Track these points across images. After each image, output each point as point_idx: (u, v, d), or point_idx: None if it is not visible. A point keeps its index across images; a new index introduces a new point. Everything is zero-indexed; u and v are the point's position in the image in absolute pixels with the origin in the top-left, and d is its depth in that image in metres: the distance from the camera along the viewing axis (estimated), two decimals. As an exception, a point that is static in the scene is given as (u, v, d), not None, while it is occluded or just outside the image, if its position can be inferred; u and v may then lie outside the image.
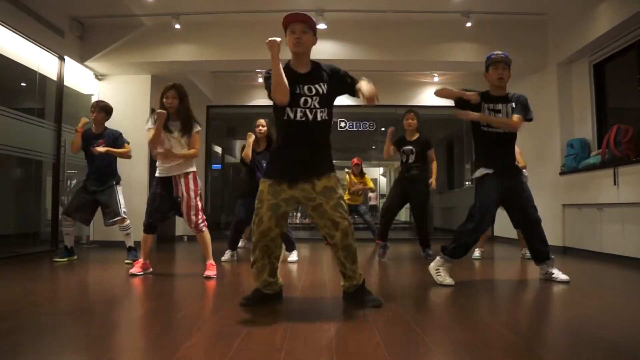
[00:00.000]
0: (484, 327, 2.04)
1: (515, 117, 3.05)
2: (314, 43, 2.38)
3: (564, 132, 5.56)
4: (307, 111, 2.28)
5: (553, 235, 5.14)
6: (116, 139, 4.21)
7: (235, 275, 3.64)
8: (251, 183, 4.24)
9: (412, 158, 4.55)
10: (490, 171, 3.13)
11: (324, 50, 5.72)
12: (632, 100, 4.83)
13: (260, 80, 7.55)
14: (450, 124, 9.68)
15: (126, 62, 5.83)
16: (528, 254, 4.44)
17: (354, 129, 8.36)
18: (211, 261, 3.48)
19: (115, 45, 5.75)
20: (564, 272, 3.20)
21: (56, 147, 5.24)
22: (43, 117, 5.18)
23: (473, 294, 2.87)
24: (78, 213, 4.14)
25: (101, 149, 4.07)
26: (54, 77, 5.30)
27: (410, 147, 4.54)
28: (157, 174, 3.47)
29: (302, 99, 2.28)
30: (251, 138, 4.26)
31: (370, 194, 13.93)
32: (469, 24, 5.50)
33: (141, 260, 3.51)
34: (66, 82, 5.46)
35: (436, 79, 7.59)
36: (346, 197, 5.94)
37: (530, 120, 3.15)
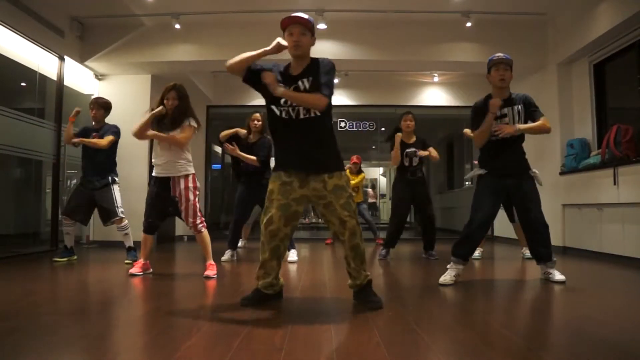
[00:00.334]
0: (484, 327, 2.04)
1: (542, 119, 3.07)
2: (312, 44, 2.37)
3: (564, 132, 5.56)
4: (290, 110, 2.29)
5: (553, 235, 5.08)
6: (106, 132, 4.15)
7: (235, 275, 3.64)
8: (236, 165, 4.42)
9: (415, 160, 4.53)
10: (482, 172, 3.16)
11: (324, 50, 5.72)
12: (632, 100, 4.83)
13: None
14: (450, 124, 9.68)
15: (126, 62, 5.83)
16: (528, 254, 4.46)
17: (354, 128, 8.36)
18: (211, 261, 3.48)
19: (115, 45, 5.75)
20: (563, 272, 3.19)
21: (56, 147, 5.24)
22: (43, 117, 5.18)
23: (473, 294, 2.87)
24: (76, 213, 4.13)
25: (76, 139, 4.05)
26: (54, 77, 5.30)
27: (414, 150, 4.51)
28: (154, 174, 3.47)
29: (282, 99, 2.28)
30: (235, 130, 4.31)
31: (370, 191, 13.95)
32: (469, 24, 5.50)
33: (141, 260, 3.51)
34: (66, 82, 5.46)
35: (436, 79, 7.59)
36: None
37: (541, 114, 3.17)
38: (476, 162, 3.43)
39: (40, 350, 1.65)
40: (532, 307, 2.67)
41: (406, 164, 4.53)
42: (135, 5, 5.30)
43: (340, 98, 7.72)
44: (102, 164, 4.15)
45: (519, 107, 3.13)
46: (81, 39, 5.67)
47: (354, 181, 6.39)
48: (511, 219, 4.48)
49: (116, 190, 4.20)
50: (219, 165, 9.35)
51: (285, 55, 2.35)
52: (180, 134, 3.35)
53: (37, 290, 2.89)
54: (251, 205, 4.46)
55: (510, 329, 1.98)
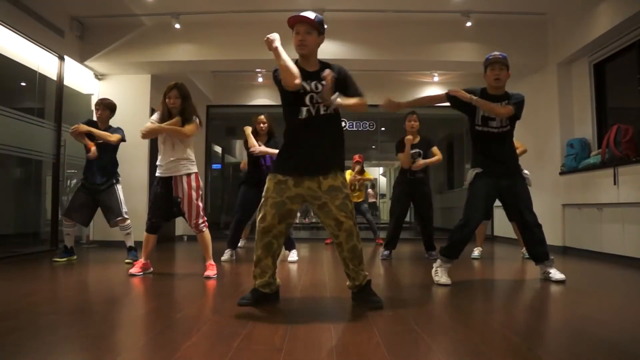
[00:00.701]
0: (484, 327, 2.04)
1: (506, 107, 3.03)
2: (320, 42, 2.38)
3: (564, 131, 5.56)
4: (311, 107, 2.30)
5: (553, 235, 5.14)
6: (114, 131, 4.17)
7: (235, 275, 3.64)
8: (254, 171, 4.34)
9: (420, 160, 4.52)
10: (479, 170, 3.16)
11: (324, 50, 5.65)
12: (632, 100, 4.83)
13: (261, 80, 7.56)
14: (450, 123, 9.69)
15: (126, 61, 5.83)
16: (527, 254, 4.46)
17: (354, 128, 8.36)
18: (211, 261, 3.48)
19: (115, 45, 5.75)
20: (563, 272, 3.20)
21: (56, 147, 5.24)
22: (43, 117, 5.18)
23: (473, 294, 2.87)
24: (77, 214, 4.14)
25: (83, 127, 4.03)
26: (54, 77, 5.30)
27: (418, 151, 4.49)
28: (157, 174, 3.46)
29: (309, 96, 2.29)
30: (248, 130, 4.30)
31: (370, 191, 13.96)
32: (469, 24, 5.50)
33: (141, 260, 3.51)
34: (66, 82, 5.46)
35: (436, 79, 7.59)
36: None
37: (518, 118, 3.12)
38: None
39: (40, 350, 1.65)
40: (532, 307, 2.67)
41: (412, 167, 4.53)
42: (135, 5, 5.30)
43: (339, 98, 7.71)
44: (106, 165, 4.16)
45: (505, 103, 3.08)
46: (81, 38, 5.67)
47: (363, 176, 6.43)
48: (510, 218, 4.48)
49: (120, 190, 4.21)
50: (219, 165, 9.36)
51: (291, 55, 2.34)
52: (187, 125, 3.36)
53: (37, 290, 2.89)
54: (253, 206, 4.45)
55: (510, 329, 1.98)
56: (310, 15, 2.30)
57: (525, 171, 3.24)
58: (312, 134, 2.31)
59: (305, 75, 2.30)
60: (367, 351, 1.65)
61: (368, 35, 5.75)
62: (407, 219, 8.21)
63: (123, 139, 4.21)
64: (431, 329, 1.99)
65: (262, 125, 4.33)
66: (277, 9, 5.24)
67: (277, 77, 2.31)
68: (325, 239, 7.06)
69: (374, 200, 13.79)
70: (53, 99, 5.28)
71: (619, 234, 4.39)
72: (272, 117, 4.45)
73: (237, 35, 5.70)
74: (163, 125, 3.33)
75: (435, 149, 4.56)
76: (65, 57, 5.36)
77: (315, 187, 2.31)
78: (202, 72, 6.98)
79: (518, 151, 3.52)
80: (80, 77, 5.91)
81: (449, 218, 10.03)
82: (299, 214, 12.18)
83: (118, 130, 4.21)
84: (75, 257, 4.32)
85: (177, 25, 5.52)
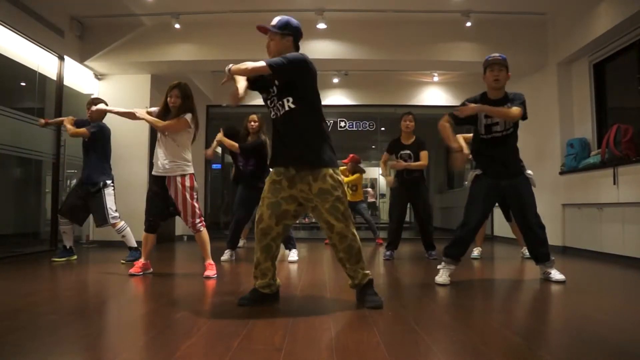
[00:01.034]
0: (484, 327, 2.04)
1: (515, 108, 3.00)
2: (287, 44, 2.43)
3: (564, 131, 5.56)
4: (274, 108, 2.39)
5: (553, 235, 5.14)
6: (88, 127, 4.14)
7: (235, 275, 3.64)
8: (237, 171, 4.52)
9: (410, 162, 4.51)
10: (479, 172, 3.17)
11: (324, 50, 5.73)
12: (632, 100, 4.83)
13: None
14: (450, 123, 9.67)
15: (126, 61, 5.83)
16: (527, 254, 4.46)
17: (354, 128, 8.36)
18: (210, 261, 3.48)
19: (115, 45, 5.75)
20: (563, 272, 3.20)
21: (56, 147, 5.24)
22: (43, 117, 5.17)
23: (473, 294, 2.87)
24: (71, 213, 4.14)
25: (47, 121, 4.21)
26: (54, 77, 5.30)
27: (408, 152, 4.47)
28: (153, 173, 3.47)
29: (269, 99, 2.41)
30: (220, 135, 4.39)
31: (370, 190, 13.94)
32: (468, 24, 5.50)
33: (141, 260, 3.51)
34: (66, 82, 5.46)
35: (436, 79, 7.60)
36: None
37: (525, 118, 3.12)
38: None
39: (40, 350, 1.65)
40: (531, 307, 2.67)
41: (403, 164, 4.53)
42: (135, 5, 5.30)
43: (340, 98, 7.72)
44: (93, 164, 4.14)
45: (507, 105, 3.10)
46: (81, 38, 5.67)
47: (348, 179, 6.38)
48: (508, 219, 4.48)
49: (108, 194, 4.16)
50: (219, 165, 9.36)
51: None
52: (167, 121, 3.36)
53: (37, 290, 2.89)
54: (252, 205, 4.45)
55: (510, 329, 1.98)
56: (274, 21, 2.45)
57: (529, 171, 3.23)
58: (279, 131, 2.40)
59: (269, 82, 2.39)
60: (367, 351, 1.64)
61: (368, 35, 5.75)
62: (407, 218, 8.23)
63: (93, 136, 4.11)
64: (431, 329, 1.99)
65: (252, 123, 4.37)
66: (277, 9, 5.22)
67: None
68: (325, 239, 7.06)
69: (373, 200, 13.79)
70: (53, 99, 5.28)
71: (618, 234, 4.39)
72: (267, 117, 4.46)
73: (237, 35, 5.70)
74: (145, 115, 3.38)
75: (423, 154, 4.45)
76: (65, 57, 5.36)
77: (307, 190, 2.32)
78: (202, 72, 6.98)
79: None
80: (80, 77, 5.91)
81: (449, 218, 10.03)
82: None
83: (94, 126, 4.13)
84: (75, 256, 4.32)
85: (177, 25, 5.51)
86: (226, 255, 4.39)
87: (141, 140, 6.01)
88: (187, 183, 3.41)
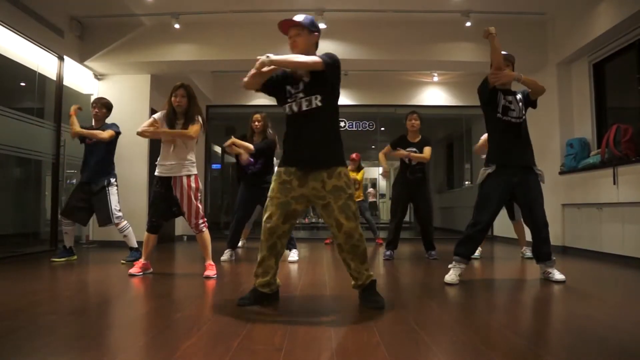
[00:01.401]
0: (484, 327, 2.04)
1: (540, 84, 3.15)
2: (313, 40, 2.42)
3: (563, 131, 5.56)
4: (294, 104, 2.36)
5: (553, 235, 5.09)
6: (107, 128, 4.18)
7: (235, 275, 3.64)
8: (239, 173, 4.49)
9: (403, 157, 4.51)
10: (491, 170, 3.16)
11: (323, 50, 5.69)
12: (631, 100, 4.83)
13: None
14: (450, 123, 9.69)
15: (126, 61, 5.82)
16: (528, 254, 4.46)
17: (354, 128, 8.36)
18: (210, 261, 3.48)
19: (115, 45, 5.75)
20: (563, 272, 3.20)
21: (56, 147, 5.23)
22: (42, 117, 5.18)
23: (473, 294, 2.87)
24: (74, 214, 4.14)
25: (79, 130, 4.07)
26: (54, 77, 5.30)
27: (415, 150, 4.50)
28: (157, 173, 3.46)
29: (290, 94, 2.38)
30: (231, 140, 4.25)
31: (371, 190, 13.95)
32: (468, 24, 5.50)
33: (142, 260, 3.51)
34: (66, 82, 5.46)
35: (436, 79, 7.60)
36: None
37: (535, 106, 3.28)
38: (484, 156, 3.44)
39: (40, 350, 1.65)
40: (532, 307, 2.67)
41: (406, 161, 4.54)
42: (135, 5, 5.30)
43: (340, 98, 7.71)
44: (99, 164, 4.14)
45: (519, 95, 3.22)
46: (81, 38, 5.67)
47: (356, 176, 6.40)
48: (511, 217, 4.48)
49: (112, 193, 4.17)
50: (219, 165, 9.36)
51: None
52: (191, 127, 3.37)
53: (37, 290, 2.89)
54: (253, 205, 4.46)
55: (510, 328, 1.98)
56: (299, 17, 2.37)
57: (540, 168, 3.25)
58: (298, 129, 2.36)
59: (293, 78, 2.38)
60: (367, 351, 1.64)
61: (368, 35, 5.75)
62: (407, 218, 8.23)
63: (118, 132, 4.21)
64: (431, 329, 1.99)
65: (256, 123, 4.36)
66: (277, 9, 5.24)
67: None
68: (325, 238, 7.07)
69: (374, 200, 13.79)
70: (53, 99, 5.28)
71: (618, 234, 4.39)
72: (270, 117, 4.47)
73: (237, 35, 5.70)
74: (167, 130, 3.34)
75: (426, 149, 4.47)
76: (65, 57, 5.36)
77: (320, 187, 2.31)
78: (202, 72, 6.98)
79: None
80: (80, 77, 5.90)
81: (449, 218, 10.04)
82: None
83: (112, 126, 4.21)
84: (75, 257, 4.32)
85: (177, 25, 5.51)
86: (226, 255, 4.39)
87: (141, 140, 5.97)
88: (193, 184, 3.41)
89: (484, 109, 3.25)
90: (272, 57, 2.22)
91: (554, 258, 3.22)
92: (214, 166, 8.95)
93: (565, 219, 5.37)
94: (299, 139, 2.35)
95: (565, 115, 5.60)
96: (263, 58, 2.22)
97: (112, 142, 4.23)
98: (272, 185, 2.40)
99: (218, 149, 9.08)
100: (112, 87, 6.07)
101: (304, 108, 2.33)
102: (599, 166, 4.69)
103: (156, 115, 3.45)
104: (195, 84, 6.70)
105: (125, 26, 5.72)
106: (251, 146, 4.17)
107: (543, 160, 5.71)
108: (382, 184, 15.73)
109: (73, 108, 4.17)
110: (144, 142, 6.00)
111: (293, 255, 4.43)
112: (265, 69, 2.23)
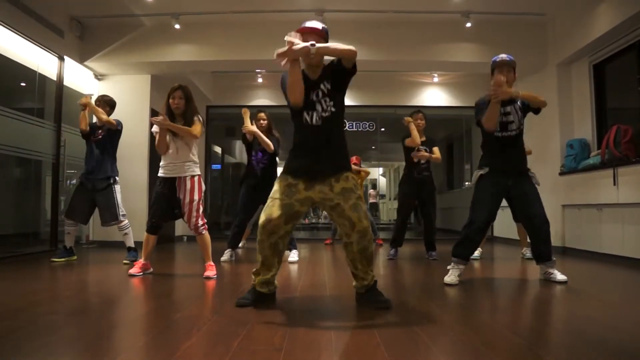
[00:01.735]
0: (484, 327, 2.04)
1: (539, 96, 3.06)
2: None
3: (563, 132, 5.56)
4: (314, 114, 2.33)
5: (553, 235, 5.08)
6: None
7: (235, 276, 3.64)
8: (248, 168, 4.44)
9: (424, 159, 4.54)
10: (484, 171, 3.17)
11: (324, 51, 5.72)
12: (632, 101, 4.83)
13: (260, 80, 7.56)
14: (450, 124, 9.69)
15: (126, 62, 5.82)
16: (528, 254, 4.46)
17: (354, 128, 8.37)
18: (210, 262, 3.48)
19: (115, 45, 5.75)
20: (563, 272, 3.20)
21: (56, 147, 5.23)
22: (43, 117, 5.18)
23: (473, 294, 2.87)
24: (77, 214, 4.14)
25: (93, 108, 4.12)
26: (54, 77, 5.30)
27: (425, 148, 4.52)
28: (160, 174, 3.46)
29: (316, 104, 2.33)
30: (247, 111, 4.31)
31: (372, 191, 13.95)
32: (468, 24, 5.50)
33: (141, 260, 3.50)
34: (66, 82, 5.46)
35: (436, 79, 7.60)
36: None
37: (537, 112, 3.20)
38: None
39: (40, 350, 1.65)
40: (532, 307, 2.67)
41: (415, 160, 4.55)
42: (135, 5, 5.30)
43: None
44: (103, 159, 4.16)
45: (518, 103, 3.16)
46: (81, 39, 5.67)
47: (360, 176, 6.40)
48: (516, 219, 4.49)
49: (117, 191, 4.20)
50: (219, 165, 9.36)
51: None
52: (194, 126, 3.37)
53: (37, 290, 2.89)
54: (255, 207, 4.45)
55: (510, 329, 1.98)
56: (318, 25, 2.36)
57: (532, 171, 3.25)
58: (315, 139, 2.34)
59: (310, 84, 2.34)
60: (367, 351, 1.64)
61: (368, 35, 5.75)
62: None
63: (119, 125, 4.24)
64: (431, 329, 1.99)
65: (262, 121, 4.36)
66: (277, 9, 5.25)
67: (284, 84, 2.34)
68: (325, 239, 7.06)
69: (374, 201, 13.79)
70: (53, 99, 5.28)
71: (618, 235, 4.39)
72: (272, 117, 4.47)
73: (237, 35, 5.70)
74: (175, 125, 3.32)
75: (436, 149, 4.59)
76: (65, 57, 5.36)
77: (327, 190, 2.31)
78: (202, 72, 6.99)
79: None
80: (80, 78, 5.90)
81: (449, 218, 10.03)
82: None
83: (118, 122, 4.25)
84: (75, 257, 4.32)
85: (177, 26, 5.52)
86: (226, 255, 4.39)
87: (141, 140, 6.00)
88: (196, 184, 3.42)
89: (480, 126, 3.17)
90: (318, 45, 2.19)
91: (554, 258, 3.22)
92: (214, 166, 8.96)
93: (565, 219, 5.37)
94: (312, 152, 2.33)
95: (566, 116, 5.60)
96: (307, 45, 2.17)
97: (114, 139, 4.25)
98: (275, 187, 2.38)
99: (218, 149, 9.08)
100: (112, 88, 6.06)
101: (324, 115, 2.32)
102: (599, 167, 4.69)
103: (154, 129, 3.42)
104: (195, 84, 6.70)
105: (126, 26, 5.73)
106: (271, 145, 4.20)
107: (543, 161, 5.72)
108: (382, 184, 15.73)
109: (84, 101, 4.18)
110: (144, 143, 6.00)
111: (293, 255, 4.42)
112: (298, 57, 2.20)
